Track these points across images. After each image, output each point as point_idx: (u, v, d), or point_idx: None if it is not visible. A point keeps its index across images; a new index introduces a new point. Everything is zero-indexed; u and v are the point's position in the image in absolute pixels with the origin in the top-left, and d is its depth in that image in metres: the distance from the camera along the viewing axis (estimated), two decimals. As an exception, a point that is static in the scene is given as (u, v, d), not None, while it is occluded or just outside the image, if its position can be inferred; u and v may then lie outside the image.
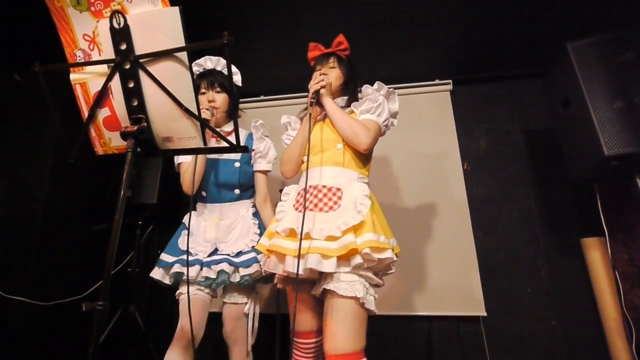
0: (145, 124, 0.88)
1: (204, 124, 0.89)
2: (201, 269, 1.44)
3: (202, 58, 1.61)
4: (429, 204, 2.30)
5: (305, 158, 1.42)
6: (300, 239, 1.17)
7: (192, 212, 1.54)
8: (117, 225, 0.79)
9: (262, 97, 2.76)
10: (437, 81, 2.53)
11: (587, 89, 1.59)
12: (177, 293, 1.49)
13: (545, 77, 1.98)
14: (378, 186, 2.37)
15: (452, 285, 2.13)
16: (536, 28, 2.08)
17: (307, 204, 1.29)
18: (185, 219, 1.55)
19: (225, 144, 0.91)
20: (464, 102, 2.52)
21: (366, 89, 1.47)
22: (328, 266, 1.14)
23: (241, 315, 1.53)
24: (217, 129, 1.48)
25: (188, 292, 1.32)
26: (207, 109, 1.46)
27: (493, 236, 2.24)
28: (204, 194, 1.56)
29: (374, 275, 1.22)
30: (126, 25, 0.84)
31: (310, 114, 1.39)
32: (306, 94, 2.66)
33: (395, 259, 1.23)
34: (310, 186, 1.34)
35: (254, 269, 1.45)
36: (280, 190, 2.20)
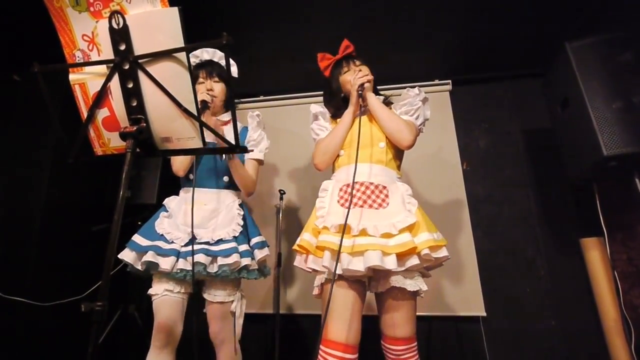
0: (145, 125, 0.88)
1: (203, 124, 0.89)
2: (177, 260, 1.33)
3: (199, 50, 1.58)
4: (428, 204, 2.30)
5: (342, 152, 1.43)
6: (342, 236, 1.14)
7: (176, 196, 1.53)
8: (116, 225, 0.79)
9: (261, 97, 2.76)
10: (436, 81, 2.54)
11: (586, 89, 1.59)
12: (148, 293, 1.39)
13: (544, 77, 1.98)
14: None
15: (452, 285, 2.13)
16: (535, 28, 2.08)
17: (355, 199, 1.29)
18: (166, 201, 1.50)
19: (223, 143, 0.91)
20: (463, 102, 2.52)
21: (408, 91, 1.48)
22: (389, 263, 1.13)
23: (227, 315, 1.43)
24: (214, 118, 1.49)
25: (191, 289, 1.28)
26: (207, 93, 1.45)
27: (492, 236, 2.24)
28: (191, 177, 1.50)
29: (426, 270, 1.30)
30: (125, 26, 0.84)
31: (357, 107, 1.42)
32: (307, 94, 2.70)
33: (449, 256, 1.25)
34: (357, 182, 1.31)
35: (233, 259, 1.35)
36: (280, 191, 2.22)
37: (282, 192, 2.23)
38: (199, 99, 1.41)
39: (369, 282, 1.29)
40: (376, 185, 1.31)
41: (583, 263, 2.04)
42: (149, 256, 1.31)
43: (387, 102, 1.56)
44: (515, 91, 2.49)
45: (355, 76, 1.43)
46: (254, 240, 1.49)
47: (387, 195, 1.30)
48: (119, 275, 2.19)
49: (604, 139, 1.51)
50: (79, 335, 1.97)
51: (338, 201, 1.32)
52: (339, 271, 1.15)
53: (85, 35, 0.91)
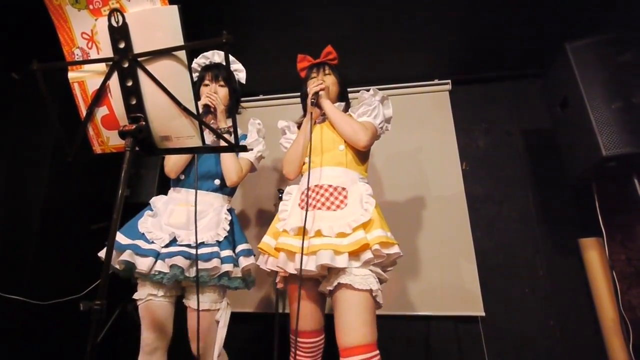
0: (144, 123, 0.88)
1: (203, 123, 0.89)
2: (155, 262, 1.26)
3: (210, 51, 1.59)
4: (427, 204, 2.30)
5: (306, 159, 1.47)
6: (304, 237, 1.21)
7: (164, 195, 1.49)
8: (115, 224, 0.79)
9: (260, 97, 2.76)
10: (436, 81, 2.54)
11: (586, 89, 1.60)
12: (133, 297, 1.35)
13: (543, 77, 1.98)
14: (377, 186, 2.38)
15: (451, 285, 2.13)
16: (535, 28, 2.08)
17: (313, 202, 1.34)
18: (153, 200, 1.46)
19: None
20: (462, 102, 2.52)
21: (362, 94, 1.54)
22: (340, 261, 1.17)
23: (212, 325, 1.34)
24: (215, 124, 1.47)
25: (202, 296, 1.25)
26: (208, 95, 1.44)
27: (491, 236, 2.25)
28: (182, 177, 1.47)
29: (381, 271, 1.27)
30: (125, 24, 0.83)
31: (310, 115, 1.46)
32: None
33: (401, 254, 1.26)
34: (315, 185, 1.38)
35: (212, 264, 1.28)
36: (279, 190, 2.22)
37: (280, 191, 2.23)
38: (201, 103, 1.42)
39: (321, 282, 1.31)
40: (335, 187, 1.35)
41: (582, 263, 2.04)
42: (126, 255, 1.24)
43: (348, 106, 1.61)
44: (515, 91, 2.49)
45: (310, 85, 1.50)
46: (240, 247, 1.44)
47: (345, 197, 1.33)
48: (117, 274, 2.18)
49: (603, 139, 1.51)
50: (77, 334, 1.97)
51: (299, 204, 1.38)
52: (293, 271, 1.24)
53: (85, 33, 0.90)
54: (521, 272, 2.15)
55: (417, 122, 2.48)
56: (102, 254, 1.30)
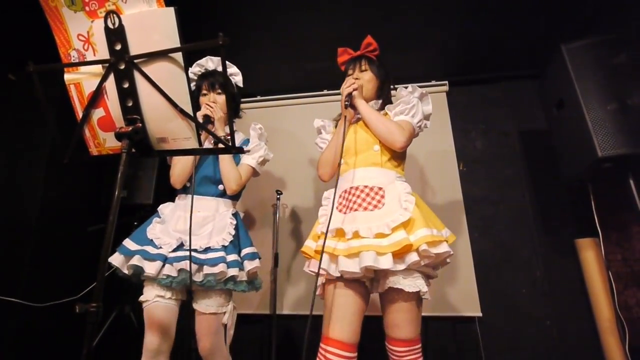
0: (140, 125, 0.88)
1: (199, 125, 0.89)
2: (163, 266, 1.30)
3: (204, 58, 1.59)
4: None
5: (342, 161, 1.43)
6: (325, 238, 1.20)
7: (171, 203, 1.51)
8: (111, 226, 0.78)
9: (258, 98, 2.76)
10: (433, 82, 2.54)
11: (581, 90, 1.61)
12: (140, 299, 1.37)
13: (540, 78, 2.00)
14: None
15: (448, 285, 2.14)
16: (531, 30, 2.09)
17: (349, 204, 1.31)
18: (160, 208, 1.49)
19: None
20: (460, 103, 2.53)
21: (400, 91, 1.48)
22: (384, 262, 1.14)
23: (219, 328, 1.37)
24: (217, 130, 1.47)
25: (192, 297, 1.28)
26: (207, 104, 1.46)
27: (489, 237, 2.25)
28: (187, 184, 1.50)
29: (430, 269, 1.26)
30: (121, 26, 0.83)
31: (345, 117, 1.42)
32: (305, 94, 2.70)
33: (451, 252, 1.22)
34: (351, 187, 1.35)
35: (219, 269, 1.31)
36: (277, 191, 2.22)
37: (279, 192, 2.23)
38: (201, 114, 1.44)
39: (371, 283, 1.30)
40: (371, 188, 1.32)
41: (578, 263, 2.05)
42: (135, 260, 1.29)
43: (387, 101, 1.55)
44: (512, 92, 2.50)
45: (343, 85, 1.44)
46: (245, 251, 1.45)
47: (382, 196, 1.30)
48: (114, 276, 2.18)
49: (598, 140, 1.52)
50: (74, 336, 1.96)
51: (337, 207, 1.36)
52: (336, 273, 1.21)
53: (81, 35, 0.90)
54: (518, 272, 2.16)
55: (414, 123, 2.49)
56: (111, 259, 1.34)
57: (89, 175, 2.31)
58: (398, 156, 1.43)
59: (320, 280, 1.34)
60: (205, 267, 1.31)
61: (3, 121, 2.09)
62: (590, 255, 1.99)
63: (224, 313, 1.39)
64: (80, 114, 0.94)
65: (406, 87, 1.47)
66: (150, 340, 1.30)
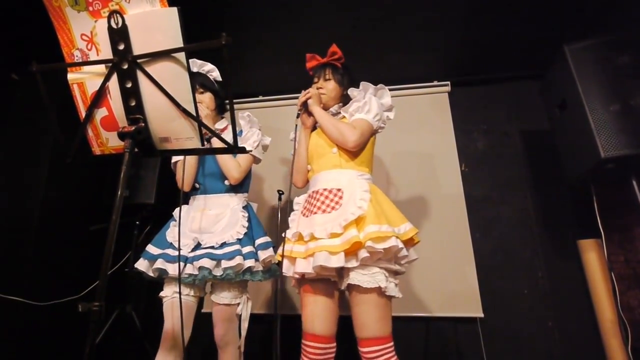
0: (143, 124, 0.88)
1: (202, 124, 0.89)
2: (185, 266, 1.39)
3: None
4: (426, 205, 2.30)
5: (309, 167, 1.52)
6: (284, 241, 1.28)
7: (185, 205, 1.56)
8: (114, 225, 0.79)
9: (260, 97, 2.76)
10: (435, 83, 2.54)
11: (584, 91, 1.60)
12: (160, 295, 1.45)
13: (542, 79, 1.99)
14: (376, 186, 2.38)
15: (450, 286, 2.13)
16: (534, 30, 2.09)
17: (311, 207, 1.37)
18: (176, 212, 1.54)
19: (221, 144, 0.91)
20: (461, 103, 2.53)
21: (352, 91, 1.53)
22: (336, 262, 1.17)
23: (233, 317, 1.47)
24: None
25: (180, 291, 1.32)
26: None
27: (490, 237, 2.25)
28: (197, 185, 1.56)
29: (392, 265, 1.25)
30: (124, 26, 0.84)
31: (296, 126, 1.51)
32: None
33: (400, 246, 1.19)
34: (314, 191, 1.42)
35: (236, 261, 1.38)
36: (279, 191, 2.22)
37: (280, 192, 2.23)
38: None
39: (340, 281, 1.33)
40: (330, 190, 1.37)
41: (580, 264, 2.04)
42: (159, 263, 1.38)
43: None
44: (514, 93, 2.50)
45: (300, 96, 1.52)
46: (259, 241, 1.51)
47: (340, 197, 1.33)
48: (116, 275, 2.19)
49: (601, 141, 1.51)
50: (76, 335, 1.98)
51: (302, 212, 1.43)
52: (295, 275, 1.31)
53: (84, 35, 0.90)
54: (520, 273, 2.16)
55: (416, 124, 2.49)
56: (137, 264, 1.43)
57: (92, 175, 2.31)
58: (355, 155, 1.44)
59: (294, 281, 1.40)
60: (222, 261, 1.38)
61: (6, 121, 2.10)
62: (592, 257, 1.98)
63: (238, 304, 1.47)
64: (83, 113, 0.94)
65: (356, 88, 1.52)
66: (168, 334, 1.36)
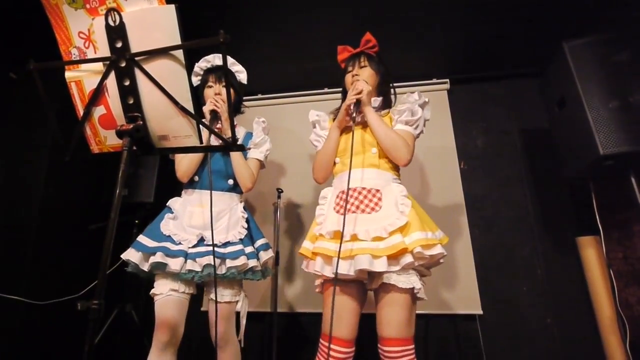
0: (141, 123, 0.88)
1: (200, 122, 0.89)
2: (185, 262, 1.35)
3: (211, 55, 1.61)
4: (425, 203, 2.30)
5: (337, 160, 1.47)
6: (341, 240, 1.20)
7: (179, 197, 1.54)
8: (112, 224, 0.79)
9: (259, 96, 2.75)
10: (434, 80, 2.54)
11: (583, 88, 1.60)
12: (151, 293, 1.40)
13: (541, 76, 1.99)
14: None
15: (449, 283, 2.14)
16: (533, 28, 2.08)
17: (348, 206, 1.32)
18: (171, 203, 1.51)
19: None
20: (461, 101, 2.53)
21: (408, 96, 1.45)
22: (379, 265, 1.17)
23: (231, 315, 1.46)
24: (221, 130, 1.48)
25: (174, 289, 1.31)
26: (213, 99, 1.47)
27: (489, 235, 2.25)
28: (196, 179, 1.52)
29: (425, 269, 1.29)
30: (122, 23, 0.83)
31: (341, 120, 1.44)
32: (306, 92, 2.70)
33: (445, 253, 1.24)
34: (350, 189, 1.35)
35: (241, 261, 1.38)
36: (278, 189, 2.22)
37: (280, 190, 2.23)
38: (207, 109, 1.46)
39: (369, 282, 1.31)
40: (369, 190, 1.33)
41: (579, 261, 2.05)
42: (158, 257, 1.32)
43: (388, 102, 1.56)
44: (513, 90, 2.50)
45: (350, 92, 1.41)
46: (259, 242, 1.52)
47: (380, 199, 1.31)
48: (116, 274, 2.19)
49: (600, 138, 1.51)
50: (75, 334, 1.98)
51: (334, 208, 1.37)
52: (330, 274, 1.25)
53: (82, 33, 0.90)
54: (519, 270, 2.16)
55: (415, 121, 2.49)
56: (127, 255, 1.37)
57: (91, 174, 2.31)
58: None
59: (319, 280, 1.38)
60: (227, 260, 1.37)
61: (4, 120, 2.09)
62: (591, 253, 1.99)
63: (237, 302, 1.46)
64: (81, 111, 0.94)
65: (413, 93, 1.45)
66: (161, 333, 1.33)
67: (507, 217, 2.27)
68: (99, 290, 0.73)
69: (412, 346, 1.20)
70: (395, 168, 1.44)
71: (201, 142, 0.90)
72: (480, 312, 2.06)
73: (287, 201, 2.47)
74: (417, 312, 2.09)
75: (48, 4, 0.88)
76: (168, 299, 1.36)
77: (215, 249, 1.37)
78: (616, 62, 1.60)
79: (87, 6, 0.87)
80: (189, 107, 0.86)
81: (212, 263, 1.34)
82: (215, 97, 1.49)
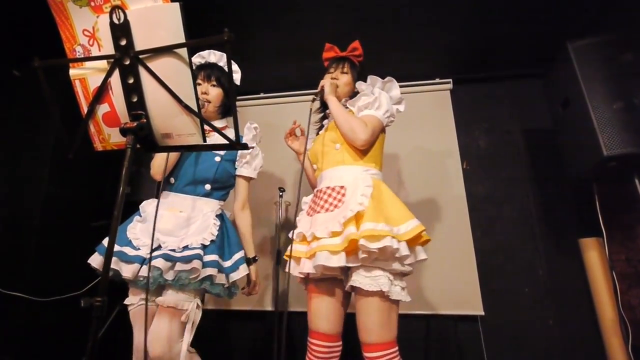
0: (145, 120, 0.88)
1: (204, 121, 0.89)
2: (140, 268, 1.26)
3: (206, 51, 1.56)
4: (427, 203, 2.30)
5: (315, 166, 1.51)
6: (291, 244, 1.28)
7: (154, 199, 1.44)
8: (116, 221, 0.79)
9: (261, 95, 2.75)
10: (437, 80, 2.53)
11: (587, 89, 1.59)
12: (125, 302, 1.33)
13: (545, 77, 1.98)
14: (377, 185, 2.37)
15: (450, 284, 2.13)
16: (537, 28, 2.08)
17: (316, 207, 1.35)
18: (142, 205, 1.44)
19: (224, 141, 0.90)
20: (464, 101, 2.52)
21: (359, 85, 1.48)
22: (337, 261, 1.15)
23: (175, 330, 1.25)
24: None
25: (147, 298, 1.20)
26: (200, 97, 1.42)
27: (491, 236, 2.25)
28: (172, 181, 1.44)
29: (394, 266, 1.18)
30: (126, 21, 0.83)
31: (310, 110, 1.48)
32: (307, 91, 2.70)
33: (396, 246, 1.12)
34: (318, 190, 1.40)
35: (192, 265, 1.24)
36: (280, 188, 2.22)
37: (281, 189, 2.23)
38: None
39: (346, 280, 1.31)
40: (333, 188, 1.34)
41: (582, 263, 2.04)
42: (113, 263, 1.23)
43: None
44: (516, 91, 2.49)
45: (322, 81, 1.51)
46: (237, 256, 1.40)
47: (343, 195, 1.30)
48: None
49: (604, 139, 1.51)
50: (77, 331, 1.99)
51: (307, 212, 1.42)
52: (299, 275, 1.33)
53: (86, 30, 0.90)
54: (521, 271, 2.15)
55: (417, 121, 2.48)
56: (91, 260, 1.32)
57: (93, 172, 2.32)
58: (361, 151, 1.40)
59: (299, 279, 1.41)
60: (178, 264, 1.24)
61: (8, 117, 2.10)
62: (594, 255, 1.98)
63: (186, 310, 1.27)
64: (85, 109, 0.94)
65: (363, 82, 1.48)
66: (139, 343, 1.25)
67: (509, 217, 2.26)
68: (102, 287, 0.73)
69: (395, 349, 1.16)
70: (367, 159, 1.38)
71: (204, 140, 0.90)
72: (482, 313, 2.06)
73: (288, 200, 2.46)
74: (418, 312, 2.12)
75: (53, 2, 0.88)
76: (141, 308, 1.27)
77: (171, 252, 1.25)
78: (621, 63, 1.59)
79: (92, 4, 0.87)
80: (193, 105, 0.86)
81: (160, 266, 1.22)
82: (202, 95, 1.44)
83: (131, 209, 2.21)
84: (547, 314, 2.06)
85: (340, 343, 1.30)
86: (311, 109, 1.47)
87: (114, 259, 1.25)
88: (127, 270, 1.26)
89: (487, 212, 2.29)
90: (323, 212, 1.30)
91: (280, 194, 2.23)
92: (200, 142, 0.90)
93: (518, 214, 2.26)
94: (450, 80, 2.52)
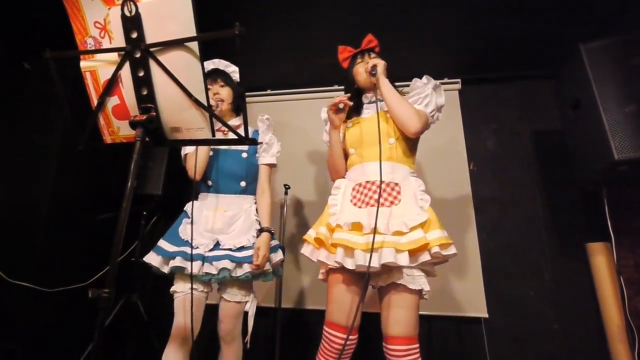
0: (155, 114, 0.88)
1: (213, 115, 0.89)
2: (202, 265, 1.41)
3: (204, 62, 1.62)
4: (433, 203, 2.24)
5: (352, 151, 1.46)
6: (374, 234, 1.17)
7: (195, 201, 1.54)
8: (124, 213, 0.79)
9: (269, 92, 2.75)
10: (445, 80, 2.51)
11: (599, 91, 1.57)
12: (171, 290, 1.46)
13: (554, 78, 1.96)
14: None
15: (454, 285, 2.12)
16: (547, 29, 2.05)
17: (365, 198, 1.32)
18: (187, 208, 1.54)
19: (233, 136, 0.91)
20: (472, 101, 2.50)
21: (415, 82, 1.49)
22: (402, 260, 1.16)
23: (240, 313, 1.51)
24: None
25: (192, 289, 1.35)
26: (212, 98, 1.51)
27: (497, 238, 2.23)
28: (209, 183, 1.56)
29: (432, 269, 1.28)
30: (137, 14, 0.83)
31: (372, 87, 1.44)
32: (313, 88, 2.69)
33: (457, 253, 1.25)
34: (367, 181, 1.35)
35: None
36: (285, 185, 2.22)
37: (287, 186, 2.23)
38: None
39: (376, 278, 1.30)
40: (387, 183, 1.32)
41: (588, 268, 2.02)
42: (177, 261, 1.38)
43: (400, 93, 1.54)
44: (526, 92, 2.46)
45: (366, 63, 1.46)
46: (271, 245, 1.52)
47: (399, 192, 1.30)
48: (122, 264, 2.20)
49: (615, 143, 1.49)
50: (82, 322, 2.00)
51: (351, 200, 1.36)
52: (352, 267, 1.22)
53: (97, 23, 0.90)
54: (526, 274, 2.13)
55: (425, 121, 2.47)
56: (148, 259, 1.44)
57: (100, 165, 2.33)
58: (410, 148, 1.42)
59: (324, 268, 1.39)
60: (245, 265, 1.43)
61: (17, 109, 2.12)
62: (601, 260, 1.95)
63: (247, 302, 1.51)
64: (95, 101, 0.95)
65: (421, 79, 1.48)
66: (180, 329, 1.37)
67: (515, 220, 2.24)
68: (109, 279, 0.73)
69: (417, 345, 1.20)
70: (411, 161, 1.43)
71: (213, 134, 0.90)
72: (486, 315, 2.04)
73: (292, 197, 2.47)
74: (421, 312, 2.09)
75: (65, -6, 0.89)
76: (187, 297, 1.39)
77: (231, 252, 1.43)
78: (634, 66, 1.57)
79: (104, -4, 0.88)
80: (203, 99, 0.86)
81: (229, 267, 1.39)
82: (215, 96, 1.53)
83: (136, 203, 2.24)
84: (552, 318, 2.04)
85: (356, 337, 1.29)
86: (375, 84, 1.40)
87: (178, 258, 1.38)
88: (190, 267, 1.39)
89: (494, 213, 2.27)
90: (388, 206, 1.28)
91: (286, 190, 2.23)
92: (210, 136, 0.90)
93: (525, 216, 2.24)
94: (459, 80, 2.50)
